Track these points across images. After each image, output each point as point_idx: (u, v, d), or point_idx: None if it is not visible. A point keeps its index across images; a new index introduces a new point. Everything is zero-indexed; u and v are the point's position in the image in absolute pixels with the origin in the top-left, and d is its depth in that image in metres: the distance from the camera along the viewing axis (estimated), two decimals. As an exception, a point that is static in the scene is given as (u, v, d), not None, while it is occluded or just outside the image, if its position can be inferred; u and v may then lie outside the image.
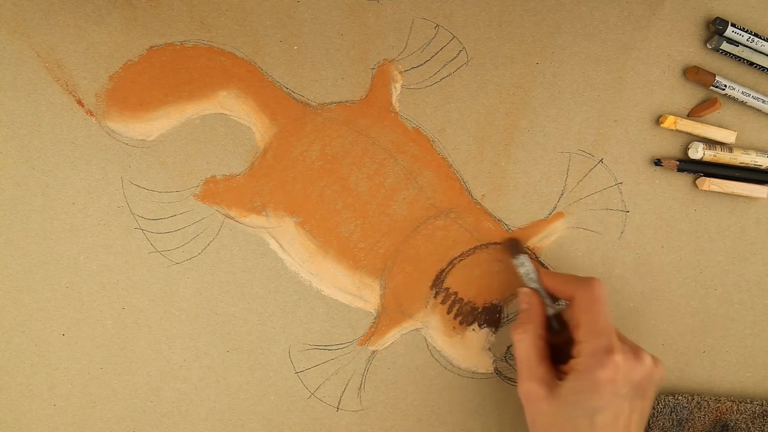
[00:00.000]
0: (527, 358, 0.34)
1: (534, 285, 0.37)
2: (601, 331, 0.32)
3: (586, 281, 0.34)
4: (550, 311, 0.37)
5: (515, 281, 0.41)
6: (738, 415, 0.42)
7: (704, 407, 0.42)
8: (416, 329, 0.40)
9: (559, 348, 0.35)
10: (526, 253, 0.39)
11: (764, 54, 0.42)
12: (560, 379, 0.33)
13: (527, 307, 0.36)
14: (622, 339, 0.34)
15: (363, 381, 0.40)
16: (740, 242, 0.43)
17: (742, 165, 0.42)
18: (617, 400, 0.31)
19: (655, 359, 0.34)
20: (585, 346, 0.32)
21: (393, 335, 0.40)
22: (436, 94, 0.39)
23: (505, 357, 0.41)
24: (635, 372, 0.32)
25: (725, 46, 0.41)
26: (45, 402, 0.38)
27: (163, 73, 0.37)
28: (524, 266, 0.38)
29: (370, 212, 0.39)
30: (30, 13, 0.36)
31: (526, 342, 0.35)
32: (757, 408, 0.42)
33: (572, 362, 0.33)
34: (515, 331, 0.35)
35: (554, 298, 0.37)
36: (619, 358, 0.31)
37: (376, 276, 0.40)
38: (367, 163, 0.39)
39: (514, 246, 0.39)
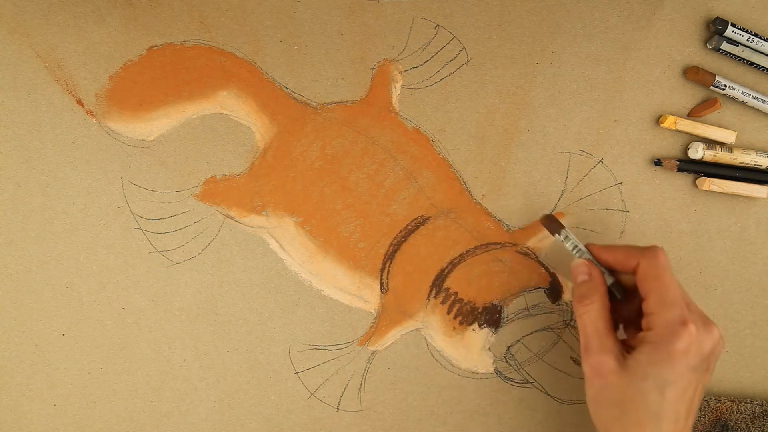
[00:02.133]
0: (595, 329, 0.33)
1: (587, 256, 0.35)
2: (673, 301, 0.31)
3: (650, 250, 0.33)
4: (609, 280, 0.35)
5: (515, 281, 0.41)
6: (738, 415, 0.42)
7: (704, 407, 0.42)
8: (416, 329, 0.40)
9: (619, 316, 0.34)
10: (563, 227, 0.37)
11: (764, 54, 0.42)
12: (627, 352, 0.32)
13: (587, 278, 0.34)
14: (692, 308, 0.33)
15: (363, 381, 0.40)
16: (740, 242, 0.43)
17: (742, 165, 0.42)
18: (688, 373, 0.31)
19: (721, 333, 0.33)
20: (657, 317, 0.31)
21: (393, 335, 0.40)
22: (436, 94, 0.39)
23: (505, 357, 0.41)
24: (706, 343, 0.31)
25: (725, 46, 0.41)
26: (45, 402, 0.38)
27: (163, 73, 0.37)
28: (569, 239, 0.36)
29: (370, 212, 0.39)
30: (30, 13, 0.36)
31: (593, 313, 0.33)
32: (757, 408, 0.42)
33: (643, 334, 0.32)
34: (579, 304, 0.34)
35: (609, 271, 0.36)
36: (693, 329, 0.31)
37: (376, 276, 0.40)
38: (367, 163, 0.39)
39: (551, 222, 0.37)
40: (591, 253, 0.35)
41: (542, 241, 0.41)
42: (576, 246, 0.36)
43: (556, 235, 0.36)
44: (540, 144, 0.41)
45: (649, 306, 0.32)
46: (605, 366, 0.32)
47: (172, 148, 0.38)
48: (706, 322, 0.32)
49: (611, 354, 0.32)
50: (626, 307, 0.35)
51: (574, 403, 0.42)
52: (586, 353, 0.33)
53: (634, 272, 0.34)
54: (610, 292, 0.35)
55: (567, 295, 0.41)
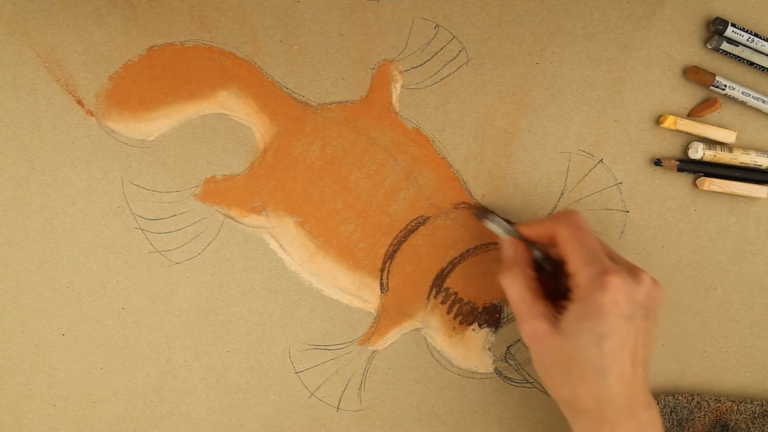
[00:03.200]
0: (522, 298, 0.33)
1: (514, 235, 0.36)
2: (591, 256, 0.32)
3: (562, 214, 0.34)
4: (537, 254, 0.35)
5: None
6: (738, 415, 0.42)
7: (704, 407, 0.42)
8: (416, 329, 0.40)
9: (556, 291, 0.34)
10: (492, 213, 0.38)
11: (764, 54, 0.42)
12: (560, 314, 0.32)
13: (511, 252, 0.35)
14: (616, 260, 0.33)
15: (363, 381, 0.40)
16: (740, 242, 0.43)
17: (742, 165, 0.42)
18: (622, 323, 0.31)
19: (653, 279, 0.33)
20: (579, 275, 0.32)
21: (393, 335, 0.40)
22: (436, 94, 0.39)
23: (505, 357, 0.41)
24: (636, 292, 0.31)
25: (725, 46, 0.41)
26: (45, 402, 0.38)
27: (163, 73, 0.37)
28: (498, 223, 0.37)
29: (370, 212, 0.39)
30: (30, 13, 0.36)
31: (517, 283, 0.33)
32: (757, 408, 0.42)
33: (571, 294, 0.32)
34: (503, 277, 0.34)
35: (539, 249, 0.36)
36: (616, 278, 0.30)
37: (376, 276, 0.40)
38: (367, 163, 0.39)
39: (482, 210, 0.38)
40: (518, 232, 0.36)
41: (542, 241, 0.41)
42: (505, 228, 0.36)
43: (485, 221, 0.37)
44: (540, 144, 0.41)
45: (571, 267, 0.32)
46: (539, 330, 0.32)
47: (172, 148, 0.38)
48: (632, 271, 0.32)
49: (542, 318, 0.32)
50: (562, 280, 0.35)
51: (574, 403, 0.42)
52: (519, 324, 0.33)
53: (554, 239, 0.34)
54: (542, 267, 0.35)
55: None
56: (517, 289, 0.33)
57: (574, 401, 0.32)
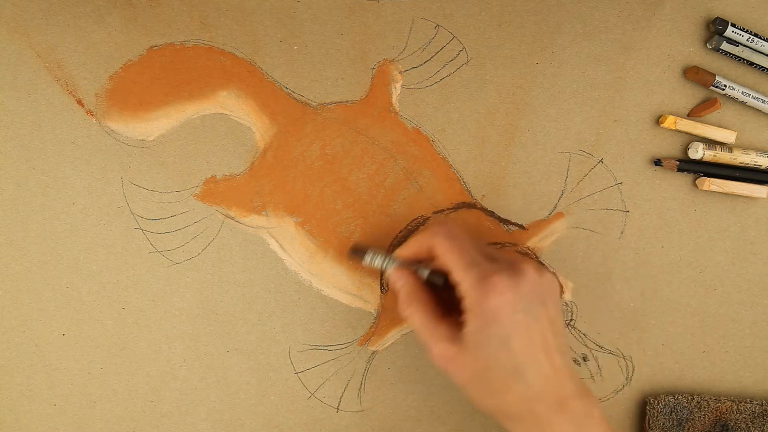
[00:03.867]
0: (423, 326, 0.33)
1: (396, 264, 0.35)
2: (469, 263, 0.31)
3: (435, 226, 0.33)
4: (425, 273, 0.35)
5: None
6: (738, 415, 0.42)
7: (704, 407, 0.42)
8: (416, 329, 0.40)
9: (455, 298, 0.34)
10: (368, 248, 0.37)
11: (764, 54, 0.42)
12: (461, 329, 0.32)
13: (401, 283, 0.34)
14: (498, 258, 0.33)
15: (363, 381, 0.40)
16: (740, 242, 0.43)
17: (742, 165, 0.42)
18: (520, 318, 0.30)
19: (538, 268, 0.32)
20: (462, 284, 0.31)
21: (393, 335, 0.40)
22: (436, 94, 0.39)
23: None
24: (521, 284, 0.31)
25: (725, 46, 0.41)
26: (45, 402, 0.38)
27: (163, 73, 0.37)
28: (376, 257, 0.36)
29: (370, 212, 0.39)
30: (30, 13, 0.36)
31: (416, 313, 0.33)
32: (757, 408, 0.42)
33: (462, 306, 0.32)
34: (401, 311, 0.34)
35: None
36: (497, 278, 0.30)
37: (376, 276, 0.40)
38: (367, 163, 0.39)
39: (355, 250, 0.38)
40: (399, 259, 0.35)
41: (542, 241, 0.41)
42: (384, 260, 0.36)
43: (365, 258, 0.36)
44: (540, 144, 0.41)
45: (453, 278, 0.32)
46: (447, 352, 0.32)
47: (172, 148, 0.38)
48: (512, 265, 0.32)
49: (446, 340, 0.32)
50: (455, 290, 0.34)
51: (574, 403, 0.42)
52: (427, 351, 0.33)
53: (432, 253, 0.33)
54: (432, 283, 0.35)
55: (567, 295, 0.41)
56: (418, 318, 0.33)
57: (504, 410, 0.32)
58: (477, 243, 0.34)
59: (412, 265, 0.35)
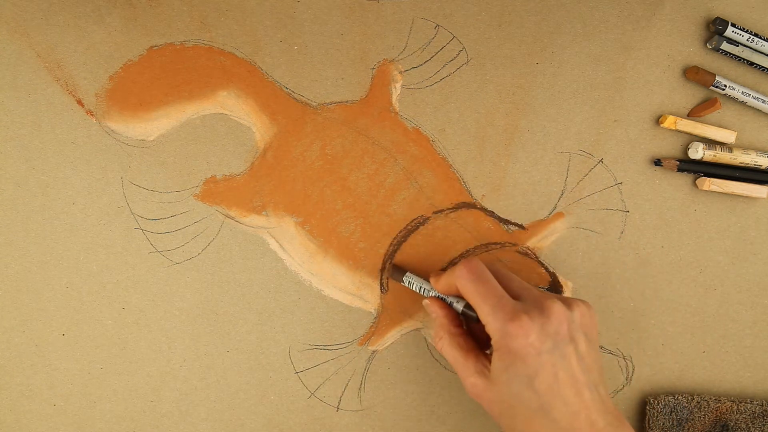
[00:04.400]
0: (455, 359, 0.34)
1: (432, 293, 0.37)
2: (495, 304, 0.32)
3: (459, 266, 0.34)
4: (459, 308, 0.36)
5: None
6: (738, 415, 0.42)
7: (704, 407, 0.42)
8: (416, 329, 0.40)
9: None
10: (407, 270, 0.39)
11: (764, 54, 0.42)
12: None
13: (435, 315, 0.36)
14: (524, 294, 0.33)
15: (363, 381, 0.40)
16: (740, 242, 0.43)
17: (742, 165, 0.42)
18: (545, 359, 0.30)
19: (567, 302, 0.33)
20: (489, 326, 0.32)
21: (393, 335, 0.40)
22: (436, 94, 0.39)
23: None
24: (547, 325, 0.31)
25: (725, 46, 0.41)
26: (45, 402, 0.38)
27: (163, 73, 0.37)
28: (413, 282, 0.38)
29: (370, 212, 0.39)
30: (30, 13, 0.36)
31: (447, 346, 0.34)
32: (757, 408, 0.42)
33: (492, 343, 0.32)
34: (435, 343, 0.35)
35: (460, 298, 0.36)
36: (522, 322, 0.31)
37: (376, 276, 0.40)
38: (367, 163, 0.39)
39: (395, 270, 0.39)
40: (434, 289, 0.37)
41: (542, 241, 0.41)
42: (422, 286, 0.37)
43: (402, 282, 0.38)
44: (540, 144, 0.41)
45: (481, 318, 0.33)
46: (477, 387, 0.33)
47: (172, 148, 0.38)
48: (539, 304, 0.32)
49: (476, 374, 0.33)
50: None
51: (574, 403, 0.42)
52: (462, 383, 0.34)
53: (460, 291, 0.34)
54: (467, 316, 0.35)
55: (567, 295, 0.41)
56: (449, 350, 0.34)
57: None
58: (505, 277, 0.35)
59: (448, 296, 0.36)
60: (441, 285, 0.36)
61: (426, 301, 0.37)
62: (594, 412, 0.31)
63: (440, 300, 0.36)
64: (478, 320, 0.34)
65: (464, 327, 0.36)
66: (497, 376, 0.31)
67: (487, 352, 0.33)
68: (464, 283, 0.33)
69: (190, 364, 0.39)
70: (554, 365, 0.31)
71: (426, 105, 0.39)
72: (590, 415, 0.31)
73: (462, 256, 0.40)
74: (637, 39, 0.41)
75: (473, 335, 0.36)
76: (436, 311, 0.36)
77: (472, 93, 0.40)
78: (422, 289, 0.37)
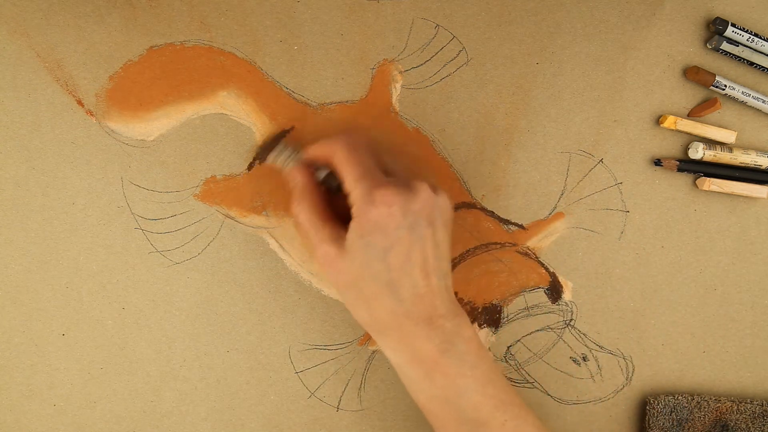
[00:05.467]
0: (310, 224, 0.33)
1: (295, 163, 0.36)
2: (363, 174, 0.31)
3: (339, 136, 0.34)
4: (322, 174, 0.35)
5: (515, 281, 0.41)
6: (738, 415, 0.42)
7: (704, 407, 0.42)
8: (416, 329, 0.40)
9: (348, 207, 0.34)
10: (277, 143, 0.37)
11: (764, 54, 0.42)
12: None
13: (296, 178, 0.35)
14: (394, 173, 0.33)
15: (363, 381, 0.40)
16: (740, 242, 0.43)
17: (742, 165, 0.42)
18: (403, 234, 0.30)
19: (434, 187, 0.33)
20: (353, 193, 0.31)
21: (393, 335, 0.40)
22: (436, 94, 0.39)
23: (505, 357, 0.41)
24: (412, 202, 0.31)
25: (725, 46, 0.41)
26: (45, 402, 0.38)
27: (163, 73, 0.37)
28: (280, 155, 0.36)
29: (370, 212, 0.39)
30: (30, 13, 0.36)
31: (305, 211, 0.33)
32: (757, 408, 0.42)
33: (351, 212, 0.32)
34: (292, 207, 0.34)
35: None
36: (387, 191, 0.30)
37: (376, 276, 0.40)
38: (367, 163, 0.39)
39: (263, 150, 0.37)
40: (301, 154, 0.35)
41: (542, 241, 0.41)
42: (288, 158, 0.36)
43: (268, 157, 0.36)
44: (540, 144, 0.41)
45: (347, 187, 0.32)
46: (329, 254, 0.32)
47: (172, 148, 0.38)
48: (407, 182, 0.32)
49: (330, 241, 0.32)
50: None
51: (574, 403, 0.42)
52: (311, 251, 0.33)
53: (332, 159, 0.34)
54: (329, 185, 0.35)
55: (567, 295, 0.41)
56: (305, 215, 0.33)
57: (372, 320, 0.32)
58: (380, 157, 0.34)
59: (312, 166, 0.35)
60: (312, 152, 0.35)
61: (288, 170, 0.35)
62: (437, 299, 0.31)
63: (304, 169, 0.35)
64: (338, 191, 0.34)
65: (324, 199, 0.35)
66: (352, 244, 0.31)
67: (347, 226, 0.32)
68: (339, 149, 0.33)
69: (190, 364, 0.39)
70: (411, 243, 0.31)
71: (426, 105, 0.39)
72: (433, 300, 0.31)
73: (462, 257, 0.40)
74: (637, 39, 0.41)
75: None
76: (299, 178, 0.35)
77: (472, 93, 0.40)
78: (289, 159, 0.36)
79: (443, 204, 0.33)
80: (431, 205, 0.32)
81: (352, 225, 0.31)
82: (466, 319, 0.33)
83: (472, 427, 0.32)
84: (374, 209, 0.30)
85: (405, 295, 0.31)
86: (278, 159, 0.36)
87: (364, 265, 0.31)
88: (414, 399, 0.34)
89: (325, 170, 0.35)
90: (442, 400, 0.32)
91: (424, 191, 0.32)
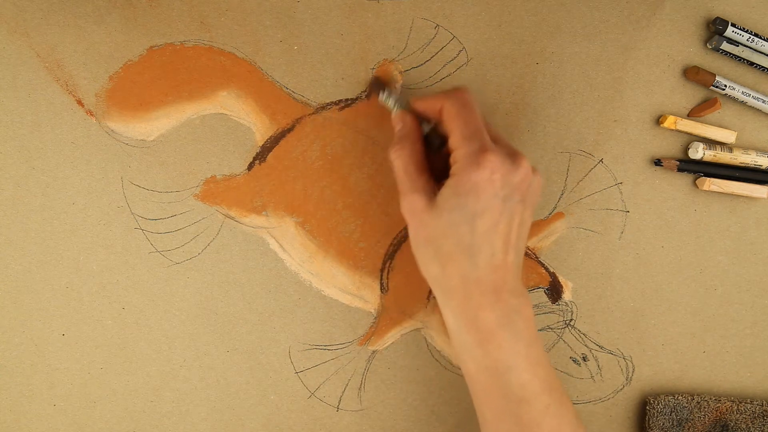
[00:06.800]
0: (406, 172, 0.33)
1: (404, 108, 0.36)
2: (473, 133, 0.31)
3: (451, 91, 0.33)
4: (426, 128, 0.35)
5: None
6: (738, 415, 0.42)
7: (704, 407, 0.42)
8: (416, 329, 0.40)
9: (444, 167, 0.34)
10: (387, 86, 0.37)
11: (764, 54, 0.42)
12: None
13: (401, 125, 0.35)
14: (499, 141, 0.33)
15: (363, 381, 0.40)
16: (740, 242, 0.43)
17: (742, 165, 0.42)
18: (496, 203, 0.30)
19: (534, 167, 0.33)
20: (458, 151, 0.31)
21: (393, 335, 0.40)
22: (436, 94, 0.39)
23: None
24: (513, 174, 0.31)
25: (725, 46, 0.41)
26: (45, 402, 0.38)
27: (163, 73, 0.37)
28: (391, 97, 0.36)
29: (370, 212, 0.39)
30: (30, 13, 0.36)
31: (404, 157, 0.33)
32: (757, 408, 0.42)
33: (450, 171, 0.32)
34: (391, 150, 0.34)
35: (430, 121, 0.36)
36: (494, 157, 0.30)
37: (376, 276, 0.40)
38: (367, 163, 0.39)
39: (376, 84, 0.37)
40: (410, 104, 0.36)
41: (542, 241, 0.41)
42: (397, 101, 0.36)
43: (381, 95, 0.36)
44: (540, 144, 0.41)
45: (453, 143, 0.32)
46: (417, 204, 0.32)
47: (172, 148, 0.38)
48: (512, 154, 0.32)
49: (422, 192, 0.32)
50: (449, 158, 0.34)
51: (574, 403, 0.42)
52: (400, 197, 0.33)
53: (442, 113, 0.33)
54: (430, 141, 0.35)
55: (567, 295, 0.41)
56: (403, 161, 0.33)
57: (441, 279, 0.32)
58: (486, 121, 0.34)
59: (419, 116, 0.35)
60: (422, 104, 0.35)
61: (397, 113, 0.35)
62: (510, 274, 0.31)
63: (412, 115, 0.35)
64: (439, 149, 0.33)
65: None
66: (444, 200, 0.31)
67: (442, 183, 0.32)
68: (452, 103, 0.32)
69: (190, 364, 0.39)
70: (501, 214, 0.31)
71: (426, 105, 0.39)
72: (506, 275, 0.31)
73: None
74: (637, 39, 0.41)
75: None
76: (406, 123, 0.35)
77: (472, 93, 0.40)
78: (398, 103, 0.36)
79: (537, 186, 0.33)
80: (528, 182, 0.32)
81: (449, 182, 0.31)
82: (529, 301, 0.32)
83: (516, 405, 0.31)
84: (477, 171, 0.30)
85: (481, 262, 0.30)
86: (389, 100, 0.36)
87: (450, 224, 0.31)
88: (463, 368, 0.33)
89: (429, 125, 0.35)
90: (491, 372, 0.31)
91: (525, 167, 0.32)
